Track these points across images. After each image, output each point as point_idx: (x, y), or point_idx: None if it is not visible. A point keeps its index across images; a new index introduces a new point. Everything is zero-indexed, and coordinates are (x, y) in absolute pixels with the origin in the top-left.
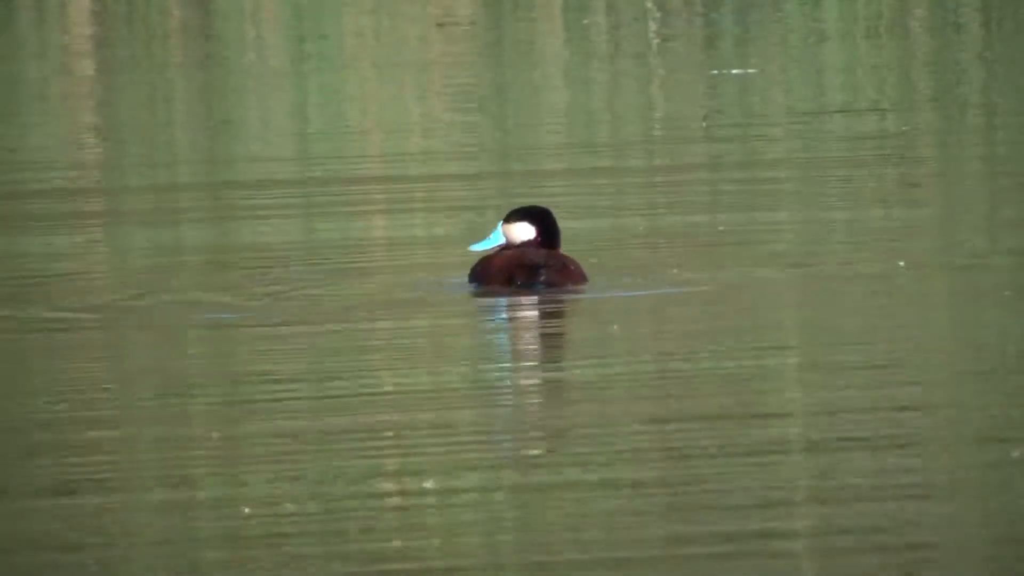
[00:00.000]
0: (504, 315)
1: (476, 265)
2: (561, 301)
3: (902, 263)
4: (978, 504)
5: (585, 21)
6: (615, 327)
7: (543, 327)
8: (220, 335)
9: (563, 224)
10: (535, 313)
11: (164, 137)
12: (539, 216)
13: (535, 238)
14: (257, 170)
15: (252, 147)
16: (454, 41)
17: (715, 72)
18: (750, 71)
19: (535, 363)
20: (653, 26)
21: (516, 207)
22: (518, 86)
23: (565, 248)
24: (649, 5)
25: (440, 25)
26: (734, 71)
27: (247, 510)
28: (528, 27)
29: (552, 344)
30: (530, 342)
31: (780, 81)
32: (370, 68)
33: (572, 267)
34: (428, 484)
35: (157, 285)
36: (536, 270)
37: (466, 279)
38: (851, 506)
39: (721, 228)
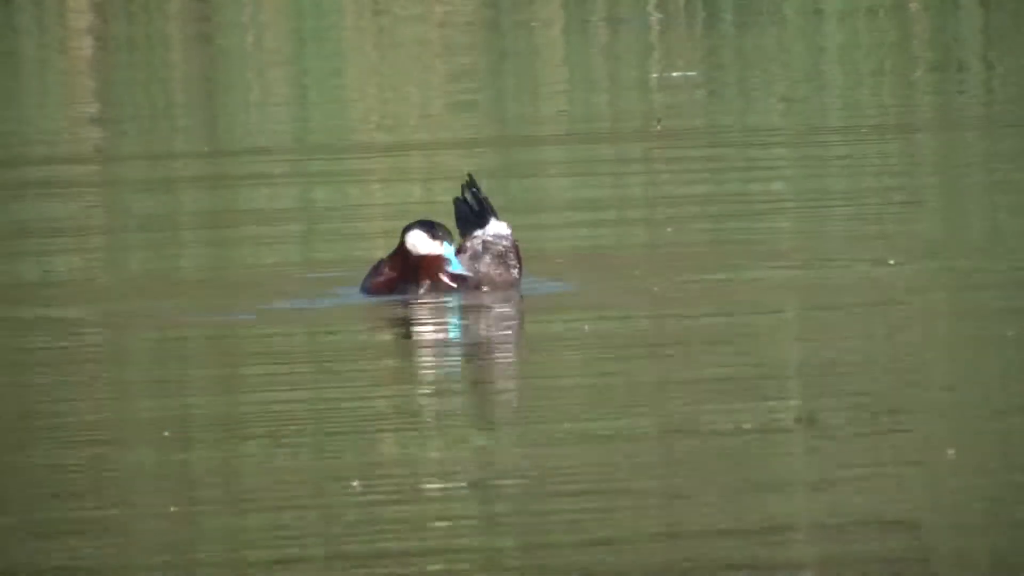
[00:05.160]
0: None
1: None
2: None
3: (892, 261)
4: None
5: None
6: (585, 327)
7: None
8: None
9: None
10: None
11: (163, 112)
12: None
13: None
14: (255, 141)
15: (251, 120)
16: (453, 22)
17: (655, 75)
18: (690, 74)
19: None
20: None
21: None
22: (516, 62)
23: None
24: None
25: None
26: (674, 74)
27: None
28: (527, 9)
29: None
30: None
31: (726, 85)
32: (369, 49)
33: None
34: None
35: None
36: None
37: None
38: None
39: (669, 230)
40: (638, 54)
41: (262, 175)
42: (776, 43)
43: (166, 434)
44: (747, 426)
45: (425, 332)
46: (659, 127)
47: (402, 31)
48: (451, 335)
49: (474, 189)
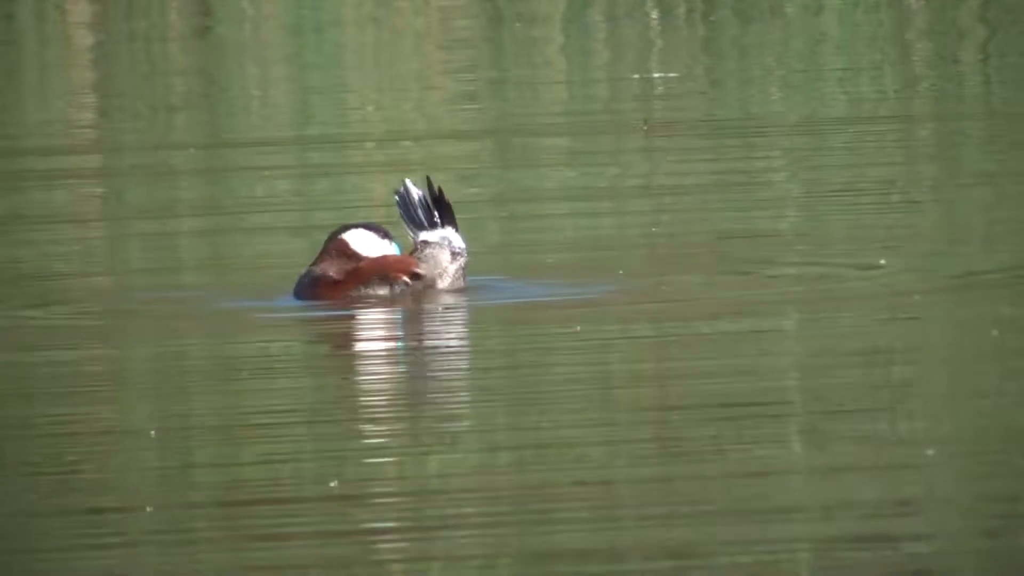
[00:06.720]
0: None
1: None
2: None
3: (883, 261)
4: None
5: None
6: (578, 327)
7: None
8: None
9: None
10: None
11: (162, 104)
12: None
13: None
14: (255, 132)
15: (250, 112)
16: (452, 14)
17: (636, 76)
18: (671, 74)
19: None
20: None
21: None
22: (516, 53)
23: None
24: None
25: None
26: (656, 74)
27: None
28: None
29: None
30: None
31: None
32: (369, 40)
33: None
34: None
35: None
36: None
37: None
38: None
39: (654, 229)
40: (634, 52)
41: (261, 167)
42: (774, 38)
43: (152, 433)
44: (745, 429)
45: (408, 337)
46: (645, 127)
47: (401, 23)
48: (419, 342)
49: (433, 192)
